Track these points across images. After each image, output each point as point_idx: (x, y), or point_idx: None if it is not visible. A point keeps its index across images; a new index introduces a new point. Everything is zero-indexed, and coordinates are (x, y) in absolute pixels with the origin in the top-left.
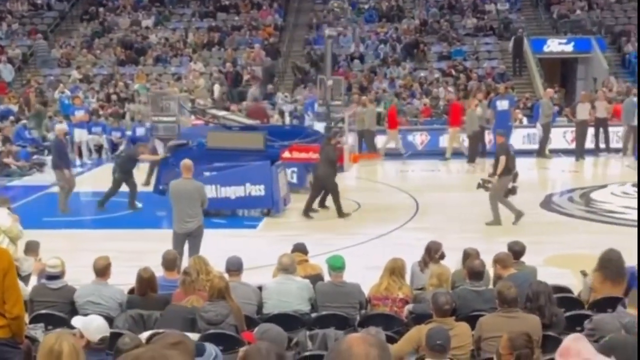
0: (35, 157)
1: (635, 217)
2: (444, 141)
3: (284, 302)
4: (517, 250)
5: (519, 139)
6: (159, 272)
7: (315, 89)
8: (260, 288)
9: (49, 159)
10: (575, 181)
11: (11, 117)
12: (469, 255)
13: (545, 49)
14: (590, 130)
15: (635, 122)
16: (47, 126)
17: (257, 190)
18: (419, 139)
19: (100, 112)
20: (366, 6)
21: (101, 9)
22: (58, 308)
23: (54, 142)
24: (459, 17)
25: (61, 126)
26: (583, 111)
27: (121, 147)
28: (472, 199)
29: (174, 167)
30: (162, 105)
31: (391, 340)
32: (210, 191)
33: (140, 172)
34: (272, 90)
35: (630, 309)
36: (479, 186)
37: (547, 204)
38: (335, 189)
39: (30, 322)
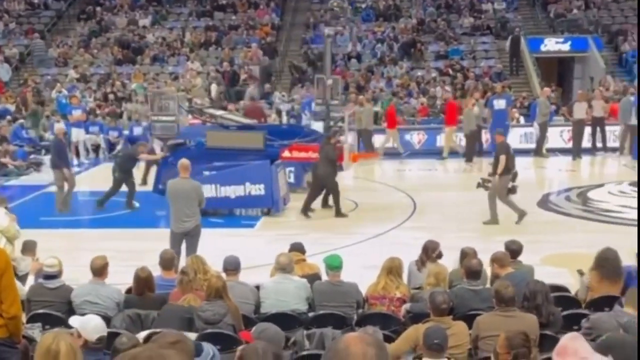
0: (32, 156)
1: (633, 216)
2: (441, 140)
3: (282, 302)
4: (514, 250)
5: (516, 138)
6: (156, 271)
7: (313, 88)
8: (257, 287)
9: (46, 158)
10: (573, 180)
11: (8, 117)
12: (466, 255)
13: (542, 48)
14: (587, 130)
15: (632, 122)
16: (45, 126)
17: (257, 189)
18: (416, 138)
19: (98, 112)
20: (363, 5)
21: (98, 9)
22: (55, 308)
23: (54, 142)
24: (456, 17)
25: (60, 126)
26: (580, 110)
27: (118, 147)
28: (469, 198)
29: (173, 167)
30: (161, 104)
31: (388, 339)
32: (210, 191)
33: (138, 171)
34: (270, 90)
35: (627, 307)
36: (479, 185)
37: (544, 203)
38: (336, 188)
39: (28, 321)
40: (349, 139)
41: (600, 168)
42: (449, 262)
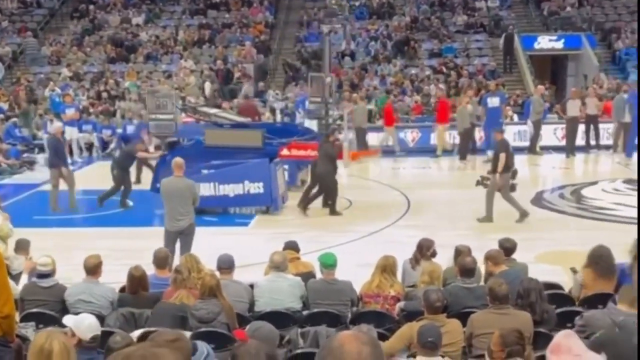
0: (25, 155)
1: (626, 214)
2: (435, 138)
3: (276, 300)
4: (508, 247)
5: (509, 136)
6: (150, 270)
7: (307, 86)
8: (251, 286)
9: (39, 157)
10: (566, 178)
11: (1, 115)
12: (460, 253)
13: (536, 45)
14: (581, 127)
15: (626, 119)
16: (38, 124)
17: (256, 187)
18: (410, 136)
19: (91, 110)
20: (357, 3)
21: (91, 7)
22: (49, 307)
23: (51, 141)
24: (449, 14)
25: (58, 125)
26: (573, 108)
27: (112, 145)
28: (463, 196)
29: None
30: (158, 102)
31: (383, 337)
32: (209, 189)
33: (132, 170)
34: (263, 88)
35: (621, 305)
36: (478, 183)
37: (538, 200)
38: (335, 186)
39: (21, 320)
40: (349, 137)
41: (594, 166)
42: (443, 260)
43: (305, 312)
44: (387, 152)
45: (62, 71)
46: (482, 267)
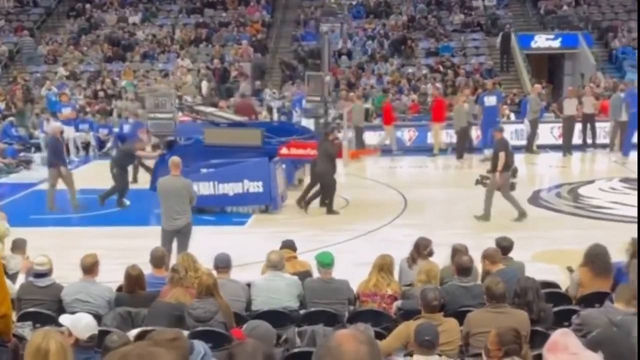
0: (22, 154)
1: (623, 213)
2: (432, 137)
3: (273, 299)
4: (505, 246)
5: (506, 135)
6: (147, 269)
7: (303, 85)
8: (249, 285)
9: (36, 156)
10: (563, 177)
11: None
12: (457, 251)
13: (533, 44)
14: (578, 126)
15: (622, 118)
16: (35, 123)
17: (255, 186)
18: (407, 135)
19: (88, 109)
20: (354, 2)
21: (88, 6)
22: (46, 306)
23: (50, 140)
24: (446, 13)
25: (57, 124)
26: (570, 107)
27: (108, 144)
28: (460, 195)
29: None
30: (157, 101)
31: (380, 336)
32: (208, 188)
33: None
34: (260, 87)
35: (617, 304)
36: (477, 182)
37: (535, 199)
38: (333, 185)
39: (18, 320)
40: (348, 136)
41: (591, 164)
42: (440, 258)
43: (302, 311)
44: (385, 151)
45: (59, 70)
46: (479, 266)
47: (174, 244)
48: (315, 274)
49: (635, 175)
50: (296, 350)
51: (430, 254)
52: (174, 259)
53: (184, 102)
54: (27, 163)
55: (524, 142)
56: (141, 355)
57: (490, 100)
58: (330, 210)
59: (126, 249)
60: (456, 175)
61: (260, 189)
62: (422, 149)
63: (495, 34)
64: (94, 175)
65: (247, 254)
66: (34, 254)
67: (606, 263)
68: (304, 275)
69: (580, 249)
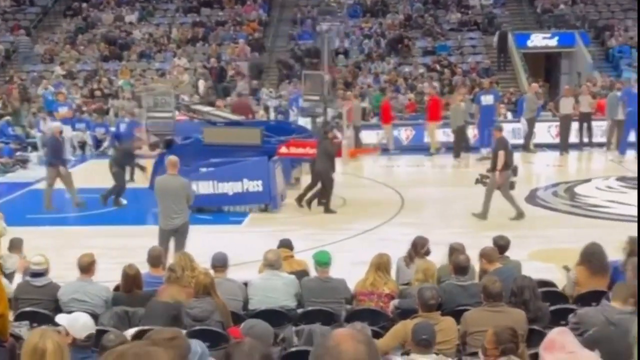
0: (18, 153)
1: (620, 211)
2: (427, 137)
3: (270, 298)
4: (502, 245)
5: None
6: (144, 268)
7: (300, 84)
8: (246, 284)
9: (32, 155)
10: (560, 175)
11: None
12: (454, 250)
13: (530, 43)
14: (574, 125)
15: (619, 117)
16: (31, 123)
17: (255, 186)
18: (404, 134)
19: (84, 108)
20: (350, 2)
21: (84, 5)
22: (43, 305)
23: (50, 140)
24: (443, 12)
25: (56, 124)
26: (567, 105)
27: (105, 143)
28: (457, 193)
29: None
30: (157, 100)
31: (377, 335)
32: (208, 187)
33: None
34: (257, 86)
35: (614, 302)
36: (477, 181)
37: (532, 198)
38: (331, 184)
39: (15, 319)
40: (347, 135)
41: (588, 163)
42: (438, 257)
43: (299, 310)
44: (382, 150)
45: (55, 69)
46: (476, 265)
47: (171, 243)
48: (313, 273)
49: (632, 174)
50: (293, 349)
51: (428, 252)
52: (171, 258)
53: (181, 101)
54: (24, 162)
55: (520, 141)
56: (138, 354)
57: (487, 99)
58: (328, 209)
59: (123, 248)
60: (453, 174)
61: (260, 188)
62: (419, 148)
63: (492, 33)
64: (91, 175)
65: (244, 253)
66: (31, 253)
67: (603, 262)
68: (301, 274)
69: (577, 248)
